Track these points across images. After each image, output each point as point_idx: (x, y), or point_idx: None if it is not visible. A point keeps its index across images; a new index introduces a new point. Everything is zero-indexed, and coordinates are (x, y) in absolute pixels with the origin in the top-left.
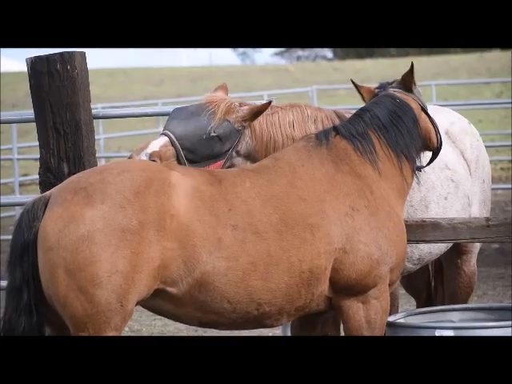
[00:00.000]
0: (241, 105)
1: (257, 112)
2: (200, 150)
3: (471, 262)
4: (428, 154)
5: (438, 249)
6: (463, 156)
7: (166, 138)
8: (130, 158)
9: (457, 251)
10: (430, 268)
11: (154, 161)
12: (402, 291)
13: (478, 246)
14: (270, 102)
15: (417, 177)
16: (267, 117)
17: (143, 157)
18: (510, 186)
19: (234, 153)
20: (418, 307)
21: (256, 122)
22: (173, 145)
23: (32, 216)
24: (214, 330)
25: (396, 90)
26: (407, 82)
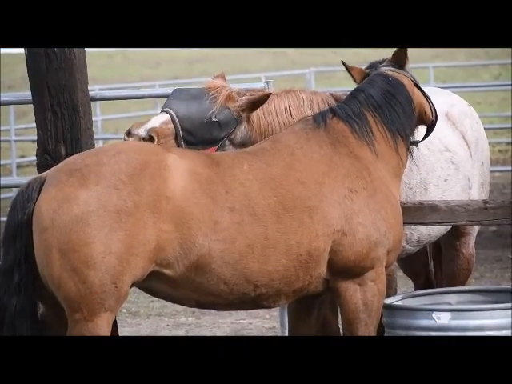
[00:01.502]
0: (239, 94)
1: (255, 103)
2: (199, 133)
3: (469, 245)
4: (423, 130)
5: (436, 231)
6: (463, 138)
7: (168, 116)
8: (128, 132)
9: (455, 233)
10: (429, 250)
11: (151, 136)
12: (400, 273)
13: (476, 228)
14: (268, 94)
15: (411, 155)
16: (263, 105)
17: (142, 131)
18: (507, 168)
19: (227, 141)
20: (416, 289)
21: (253, 112)
22: (173, 123)
23: (26, 197)
24: (212, 312)
25: (387, 68)
26: (400, 59)
